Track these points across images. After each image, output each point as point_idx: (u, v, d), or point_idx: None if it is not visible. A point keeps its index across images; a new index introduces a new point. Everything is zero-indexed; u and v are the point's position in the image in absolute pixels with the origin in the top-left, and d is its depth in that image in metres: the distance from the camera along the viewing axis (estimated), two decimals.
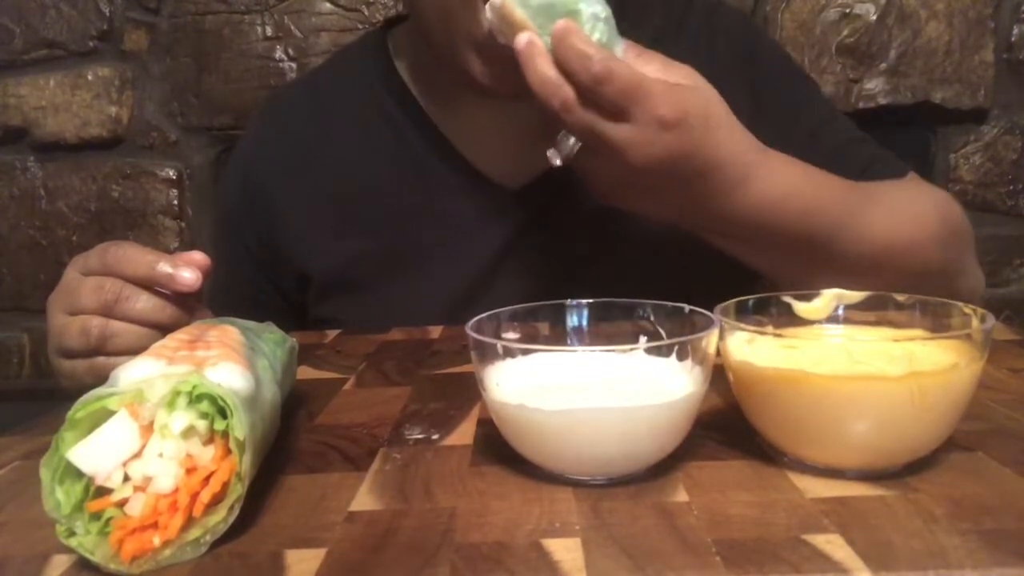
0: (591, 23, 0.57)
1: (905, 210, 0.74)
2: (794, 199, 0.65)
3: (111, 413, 0.36)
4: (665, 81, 0.57)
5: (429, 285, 0.82)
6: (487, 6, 0.61)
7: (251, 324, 0.52)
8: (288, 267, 0.86)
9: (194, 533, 0.35)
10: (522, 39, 0.58)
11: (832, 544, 0.34)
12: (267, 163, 0.87)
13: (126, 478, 0.35)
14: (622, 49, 0.59)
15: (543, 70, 0.57)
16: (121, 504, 0.35)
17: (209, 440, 0.37)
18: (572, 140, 0.60)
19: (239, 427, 0.36)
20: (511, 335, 0.47)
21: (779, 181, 0.64)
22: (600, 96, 0.56)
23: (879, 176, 0.78)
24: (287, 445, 0.48)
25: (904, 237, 0.71)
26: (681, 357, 0.42)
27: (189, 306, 0.60)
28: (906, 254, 0.70)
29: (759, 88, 0.82)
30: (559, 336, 0.49)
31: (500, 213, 0.81)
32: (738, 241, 0.68)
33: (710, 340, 0.41)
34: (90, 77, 1.50)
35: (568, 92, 0.56)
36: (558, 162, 0.61)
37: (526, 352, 0.44)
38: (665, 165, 0.58)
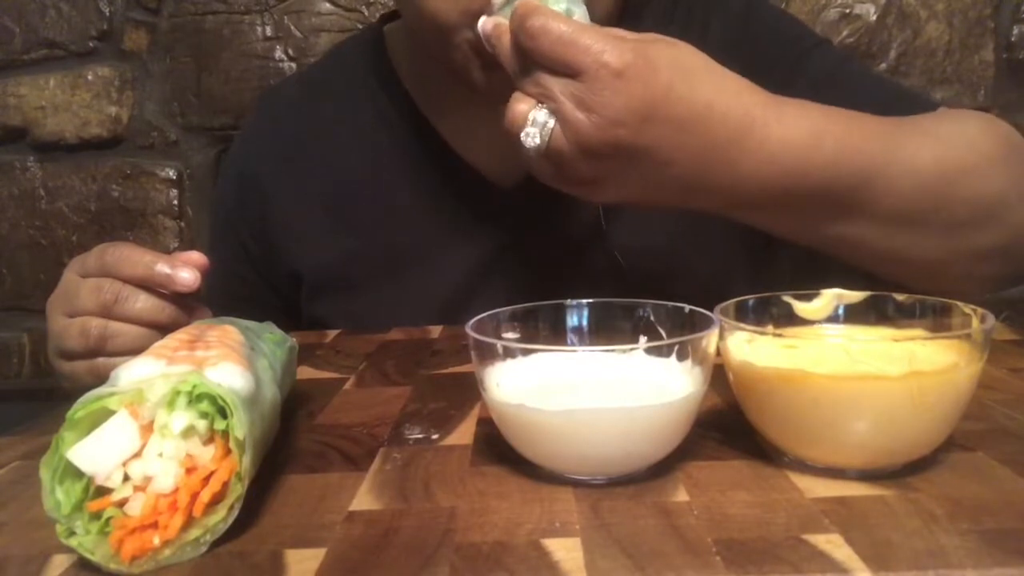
0: None
1: (951, 135, 0.64)
2: (824, 139, 0.56)
3: (111, 413, 0.36)
4: (610, 33, 0.53)
5: (423, 284, 0.82)
6: (481, 19, 0.60)
7: (251, 324, 0.52)
8: (282, 264, 0.86)
9: (194, 533, 0.35)
10: (488, 23, 0.58)
11: (832, 544, 0.33)
12: (262, 159, 0.87)
13: (126, 478, 0.35)
14: (582, 14, 0.58)
15: (506, 44, 0.56)
16: (121, 504, 0.35)
17: (209, 440, 0.37)
18: (544, 114, 0.54)
19: (239, 427, 0.36)
20: (511, 335, 0.47)
21: (800, 124, 0.56)
22: (541, 53, 0.53)
23: (907, 112, 0.69)
24: (287, 445, 0.48)
25: (956, 162, 0.61)
26: (681, 357, 0.42)
27: (188, 306, 0.60)
28: (963, 180, 0.61)
29: (758, 52, 0.78)
30: (559, 336, 0.49)
31: (496, 212, 0.81)
32: (766, 210, 0.59)
33: (710, 340, 0.41)
34: (90, 77, 1.50)
35: (520, 62, 0.54)
36: (535, 142, 0.54)
37: (526, 352, 0.44)
38: (637, 116, 0.52)
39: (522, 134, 0.54)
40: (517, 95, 0.55)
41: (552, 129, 0.53)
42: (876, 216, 0.60)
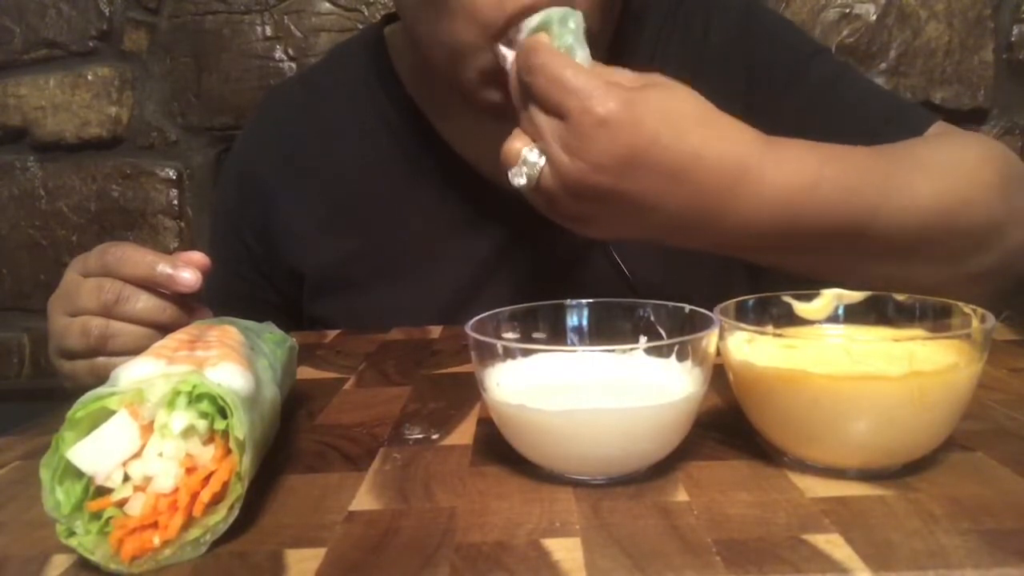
0: (559, 27, 0.59)
1: (949, 165, 0.64)
2: (822, 185, 0.56)
3: (111, 413, 0.36)
4: (603, 78, 0.53)
5: (424, 285, 0.82)
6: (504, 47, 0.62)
7: (251, 324, 0.52)
8: (283, 264, 0.86)
9: (194, 533, 0.35)
10: (509, 58, 0.60)
11: (832, 544, 0.33)
12: (264, 160, 0.87)
13: (126, 478, 0.35)
14: (583, 57, 0.58)
15: (513, 79, 0.58)
16: (121, 504, 0.35)
17: (209, 440, 0.37)
18: (535, 155, 0.55)
19: (239, 427, 0.36)
20: (511, 335, 0.47)
21: (795, 168, 0.56)
22: (535, 90, 0.54)
23: (903, 128, 0.70)
24: (287, 445, 0.48)
25: (955, 195, 0.61)
26: (681, 357, 0.42)
27: (189, 306, 0.60)
28: (963, 213, 0.61)
29: (757, 59, 0.79)
30: (559, 336, 0.49)
31: (496, 213, 0.81)
32: (761, 251, 0.60)
33: (710, 340, 0.41)
34: (90, 77, 1.50)
35: (522, 99, 0.57)
36: (521, 180, 0.56)
37: (526, 352, 0.44)
38: (619, 163, 0.52)
39: (511, 172, 0.56)
40: (515, 131, 0.57)
41: (541, 168, 0.55)
42: (875, 254, 0.60)
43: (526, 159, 0.55)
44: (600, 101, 0.52)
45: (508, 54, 0.61)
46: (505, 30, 0.61)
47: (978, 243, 0.63)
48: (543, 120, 0.54)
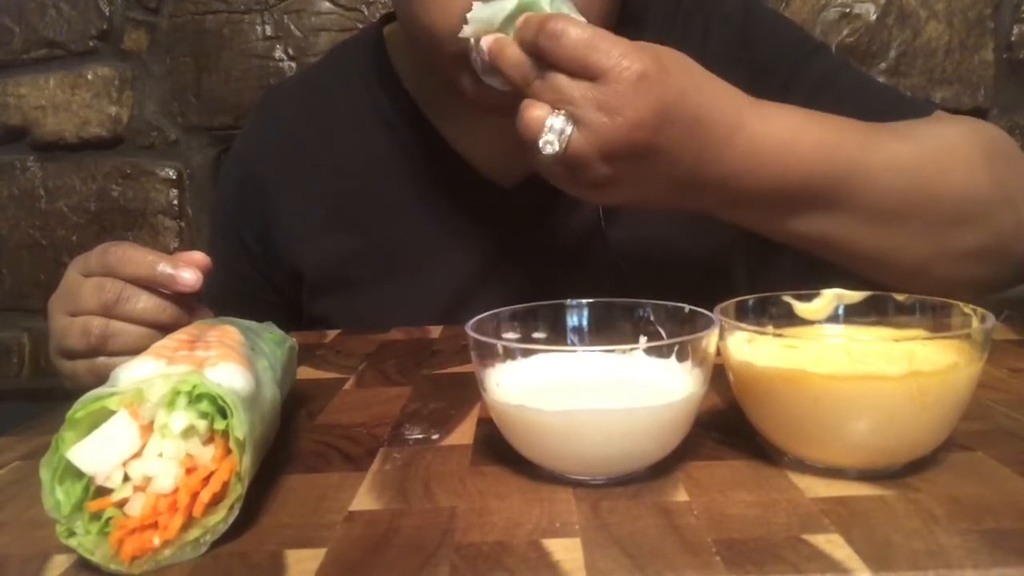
0: (551, 5, 0.57)
1: (931, 137, 0.66)
2: (802, 137, 0.59)
3: (111, 413, 0.36)
4: (623, 38, 0.54)
5: (423, 284, 0.82)
6: (483, 39, 0.60)
7: (251, 324, 0.52)
8: (283, 264, 0.86)
9: (194, 533, 0.35)
10: (487, 39, 0.57)
11: (832, 544, 0.34)
12: (263, 159, 0.87)
13: (126, 478, 0.35)
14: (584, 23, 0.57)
15: (512, 54, 0.56)
16: (121, 504, 0.35)
17: (209, 440, 0.37)
18: (561, 121, 0.54)
19: (239, 427, 0.36)
20: (511, 335, 0.47)
21: (780, 123, 0.59)
22: (561, 56, 0.53)
23: (904, 118, 0.71)
24: (287, 445, 0.48)
25: (934, 163, 0.63)
26: (681, 358, 0.42)
27: (189, 306, 0.60)
28: (942, 179, 0.63)
29: (758, 58, 0.80)
30: (559, 336, 0.49)
31: (496, 212, 0.81)
32: (754, 207, 0.61)
33: (710, 340, 0.41)
34: (90, 77, 1.50)
35: (534, 70, 0.55)
36: (554, 149, 0.54)
37: (526, 352, 0.44)
38: (657, 117, 0.53)
39: (540, 141, 0.54)
40: (529, 102, 0.55)
41: (570, 134, 0.54)
42: (857, 212, 0.61)
43: (552, 127, 0.54)
44: (636, 58, 0.52)
45: (472, 20, 0.59)
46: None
47: (960, 216, 0.63)
48: (569, 85, 0.53)
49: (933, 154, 0.64)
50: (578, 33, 0.53)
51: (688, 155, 0.55)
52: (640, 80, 0.52)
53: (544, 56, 0.54)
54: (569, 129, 0.54)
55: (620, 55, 0.52)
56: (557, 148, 0.54)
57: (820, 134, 0.60)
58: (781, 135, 0.58)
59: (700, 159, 0.56)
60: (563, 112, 0.54)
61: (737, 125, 0.57)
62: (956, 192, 0.63)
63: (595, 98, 0.52)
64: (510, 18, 0.58)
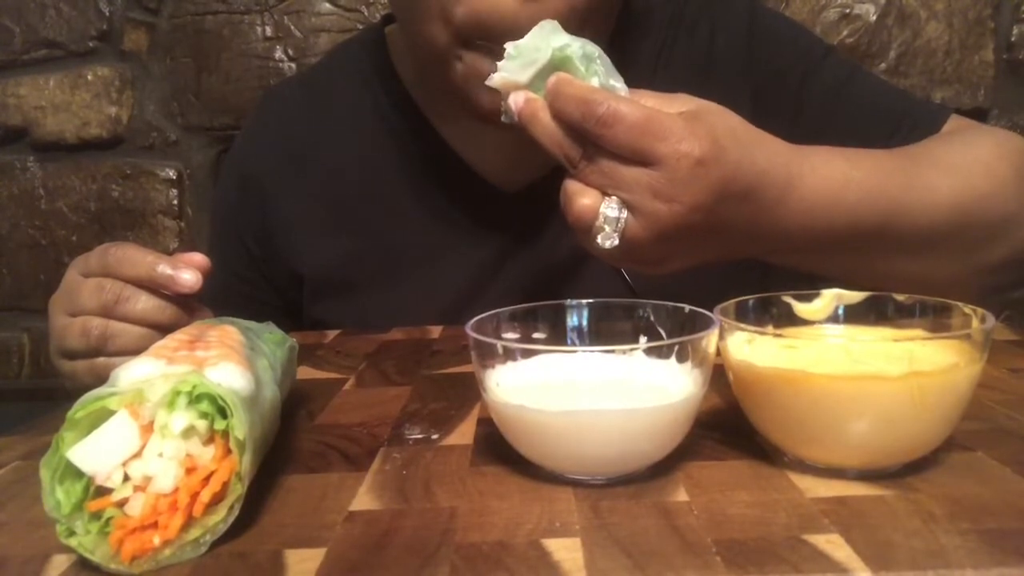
0: (584, 64, 0.53)
1: (965, 162, 0.66)
2: (849, 186, 0.58)
3: (111, 413, 0.36)
4: (676, 114, 0.51)
5: (424, 287, 0.82)
6: (512, 94, 0.55)
7: (251, 324, 0.52)
8: (283, 265, 0.86)
9: (194, 533, 0.35)
10: (517, 99, 0.53)
11: (832, 544, 0.34)
12: (263, 160, 0.87)
13: (126, 478, 0.35)
14: (624, 90, 0.53)
15: (547, 124, 0.52)
16: (121, 504, 0.35)
17: (209, 440, 0.37)
18: (615, 209, 0.51)
19: (239, 427, 0.36)
20: (511, 335, 0.47)
21: (827, 174, 0.57)
22: (613, 141, 0.50)
23: (919, 125, 0.72)
24: (287, 445, 0.48)
25: (972, 192, 0.64)
26: (681, 358, 0.42)
27: (189, 306, 0.60)
28: (979, 208, 0.64)
29: (767, 63, 0.80)
30: (559, 336, 0.49)
31: (498, 216, 0.81)
32: (803, 252, 0.61)
33: (710, 340, 0.41)
34: (90, 77, 1.50)
35: (577, 149, 0.52)
36: (613, 242, 0.52)
37: (526, 352, 0.44)
38: (714, 198, 0.51)
39: (599, 236, 0.52)
40: (578, 187, 0.52)
41: (625, 221, 0.52)
42: (898, 249, 0.62)
43: (607, 216, 0.51)
44: (692, 142, 0.50)
45: (502, 69, 0.54)
46: (477, 36, 0.61)
47: (992, 235, 0.65)
48: (624, 172, 0.51)
49: (969, 181, 0.64)
50: (632, 119, 0.49)
51: (743, 222, 0.54)
52: (699, 166, 0.50)
53: (594, 140, 0.51)
54: (624, 216, 0.52)
55: (677, 140, 0.49)
56: (616, 241, 0.52)
57: (865, 182, 0.59)
58: (829, 186, 0.57)
59: (755, 222, 0.55)
60: (615, 199, 0.51)
61: (787, 185, 0.55)
62: (990, 216, 0.65)
63: (650, 184, 0.50)
64: (541, 74, 0.53)
